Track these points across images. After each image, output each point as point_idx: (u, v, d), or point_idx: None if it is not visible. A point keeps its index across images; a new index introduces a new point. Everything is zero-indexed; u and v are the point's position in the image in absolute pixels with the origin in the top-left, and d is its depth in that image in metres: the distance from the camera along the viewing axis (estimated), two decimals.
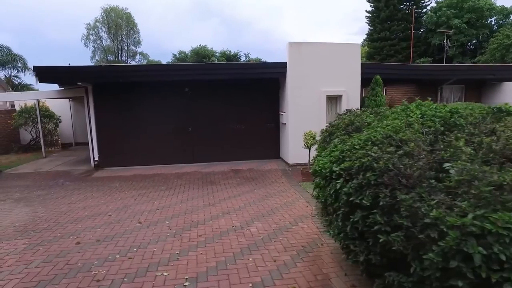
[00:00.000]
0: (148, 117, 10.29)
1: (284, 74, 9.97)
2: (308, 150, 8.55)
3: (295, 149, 10.10)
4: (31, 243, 4.76)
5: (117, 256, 4.25)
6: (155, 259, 4.16)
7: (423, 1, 28.51)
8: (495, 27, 25.90)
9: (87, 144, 15.16)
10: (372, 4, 29.24)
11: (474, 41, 27.18)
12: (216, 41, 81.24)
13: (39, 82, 8.86)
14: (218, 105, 10.61)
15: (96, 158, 10.25)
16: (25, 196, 7.51)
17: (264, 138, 11.07)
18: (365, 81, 10.74)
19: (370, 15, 30.34)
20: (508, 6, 26.24)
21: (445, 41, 23.15)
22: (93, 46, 41.30)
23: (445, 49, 23.02)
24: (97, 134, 10.14)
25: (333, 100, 10.39)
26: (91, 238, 4.89)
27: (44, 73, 8.95)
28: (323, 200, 3.29)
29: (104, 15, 40.19)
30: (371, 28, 30.29)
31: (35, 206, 6.69)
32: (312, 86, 9.97)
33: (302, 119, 10.00)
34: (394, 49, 26.56)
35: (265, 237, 4.84)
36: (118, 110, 10.13)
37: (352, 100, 10.33)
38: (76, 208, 6.50)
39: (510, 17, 28.02)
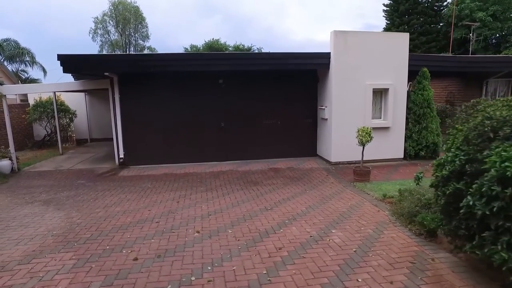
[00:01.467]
0: (178, 111, 9.50)
1: (326, 65, 9.15)
2: (362, 148, 7.74)
3: (338, 147, 9.30)
4: (80, 258, 3.98)
5: (193, 278, 3.46)
6: (241, 281, 3.38)
7: None
8: None
9: (104, 140, 14.51)
10: None
11: (497, 35, 26.19)
12: (220, 37, 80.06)
13: (63, 72, 8.04)
14: (253, 99, 9.82)
15: (122, 156, 9.46)
16: (53, 198, 6.73)
17: (301, 135, 10.28)
18: (409, 74, 9.91)
19: (388, 9, 29.39)
20: None
21: (471, 34, 22.24)
22: (101, 40, 40.41)
23: (470, 43, 22.13)
24: (122, 129, 9.34)
25: (378, 94, 9.56)
26: (149, 253, 4.10)
27: (70, 62, 8.14)
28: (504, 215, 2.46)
29: (112, 8, 39.28)
30: (389, 22, 29.28)
31: (67, 210, 5.90)
32: (357, 79, 9.16)
33: (346, 114, 9.20)
34: (413, 43, 25.55)
35: (358, 250, 4.06)
36: (146, 103, 9.34)
37: (399, 94, 9.52)
38: (115, 213, 5.71)
39: None
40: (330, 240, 4.38)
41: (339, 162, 9.42)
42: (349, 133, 9.33)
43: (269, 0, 73.59)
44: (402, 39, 9.44)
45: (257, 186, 7.43)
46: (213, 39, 37.37)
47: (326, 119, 9.55)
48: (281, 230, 4.74)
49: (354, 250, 4.07)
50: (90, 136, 15.06)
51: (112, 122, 9.45)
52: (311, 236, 4.52)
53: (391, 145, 9.74)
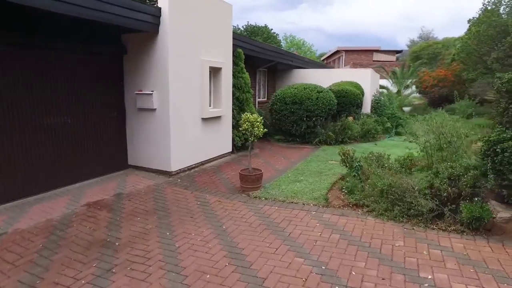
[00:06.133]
0: None
1: (153, 27, 6.01)
2: (250, 144, 5.69)
3: (179, 149, 6.56)
4: None
5: None
6: None
7: None
8: None
9: None
10: None
11: None
12: None
13: None
14: (24, 80, 4.84)
15: None
16: None
17: (104, 138, 6.38)
18: None
19: None
20: None
21: None
22: None
23: None
24: None
25: (210, 74, 7.55)
26: None
27: None
28: None
29: None
30: None
31: None
32: (194, 53, 6.79)
33: (185, 101, 6.64)
34: None
35: None
36: None
37: (227, 76, 8.01)
38: None
39: None
40: None
41: (180, 170, 6.69)
42: (188, 128, 6.80)
43: None
44: (229, 10, 7.89)
45: (127, 251, 3.62)
46: None
47: (155, 109, 6.39)
48: None
49: None
50: None
51: None
52: None
53: (223, 138, 8.15)
